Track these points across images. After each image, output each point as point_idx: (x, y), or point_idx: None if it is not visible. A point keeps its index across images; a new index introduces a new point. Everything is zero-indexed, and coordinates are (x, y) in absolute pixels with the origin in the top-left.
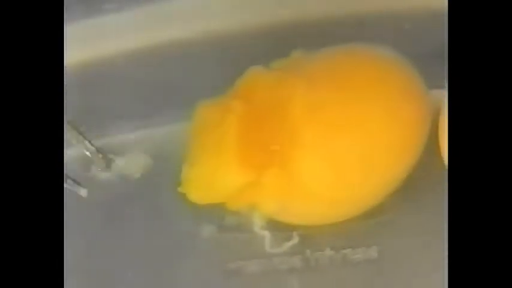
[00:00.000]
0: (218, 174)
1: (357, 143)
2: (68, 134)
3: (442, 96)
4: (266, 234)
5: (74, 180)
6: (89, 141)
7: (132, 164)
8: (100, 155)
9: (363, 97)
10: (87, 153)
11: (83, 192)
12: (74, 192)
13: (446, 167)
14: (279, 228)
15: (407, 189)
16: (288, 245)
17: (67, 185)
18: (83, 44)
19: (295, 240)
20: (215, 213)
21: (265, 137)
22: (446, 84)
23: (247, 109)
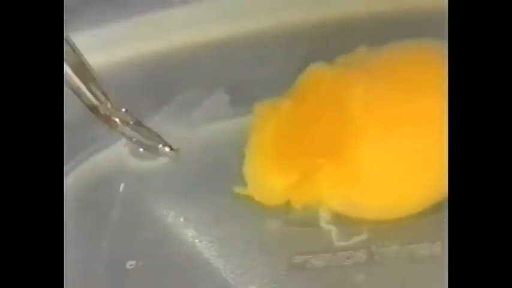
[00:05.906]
0: (266, 175)
1: (419, 139)
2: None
3: None
4: (332, 228)
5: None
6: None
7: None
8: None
9: (424, 93)
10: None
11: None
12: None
13: None
14: (346, 223)
15: None
16: (355, 239)
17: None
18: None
19: (364, 235)
20: (281, 207)
21: (321, 134)
22: (446, 84)
23: (302, 107)
